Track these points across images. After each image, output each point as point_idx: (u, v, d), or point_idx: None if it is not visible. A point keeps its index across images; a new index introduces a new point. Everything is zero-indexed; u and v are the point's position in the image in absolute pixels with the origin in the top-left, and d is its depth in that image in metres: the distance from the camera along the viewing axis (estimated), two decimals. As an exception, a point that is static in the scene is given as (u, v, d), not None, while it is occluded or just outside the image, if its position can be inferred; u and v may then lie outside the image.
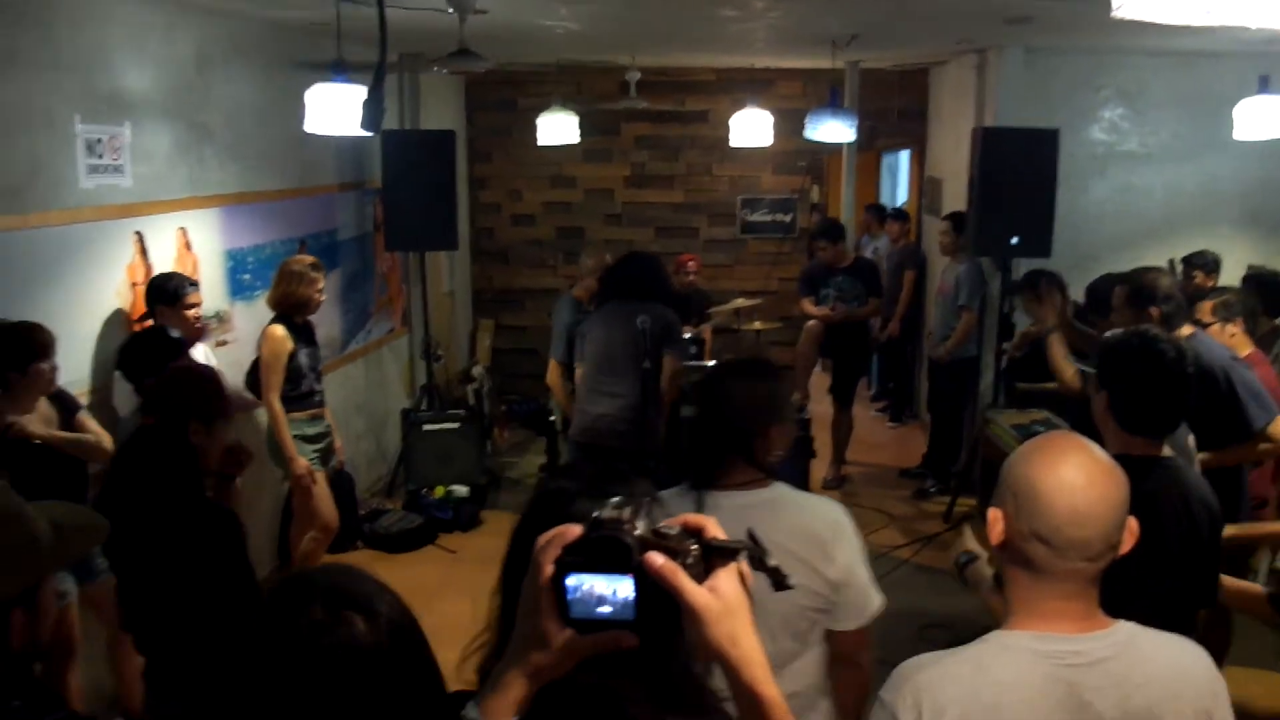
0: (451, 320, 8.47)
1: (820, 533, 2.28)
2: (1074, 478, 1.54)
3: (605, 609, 0.96)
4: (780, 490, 2.35)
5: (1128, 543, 1.59)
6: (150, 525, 2.74)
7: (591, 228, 9.05)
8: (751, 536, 1.03)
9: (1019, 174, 5.85)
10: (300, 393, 4.75)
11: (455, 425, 6.65)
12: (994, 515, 1.62)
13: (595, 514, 0.99)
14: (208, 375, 3.21)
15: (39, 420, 3.59)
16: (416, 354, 7.30)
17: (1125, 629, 1.59)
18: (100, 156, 4.19)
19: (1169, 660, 1.59)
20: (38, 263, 3.85)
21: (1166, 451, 2.54)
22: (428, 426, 6.58)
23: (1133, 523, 1.60)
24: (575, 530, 0.98)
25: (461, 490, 6.49)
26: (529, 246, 9.19)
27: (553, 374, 5.93)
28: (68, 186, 4.02)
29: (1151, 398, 2.50)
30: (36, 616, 1.70)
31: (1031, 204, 5.85)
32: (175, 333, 4.01)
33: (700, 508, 2.23)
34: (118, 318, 4.30)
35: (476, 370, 7.93)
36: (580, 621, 0.96)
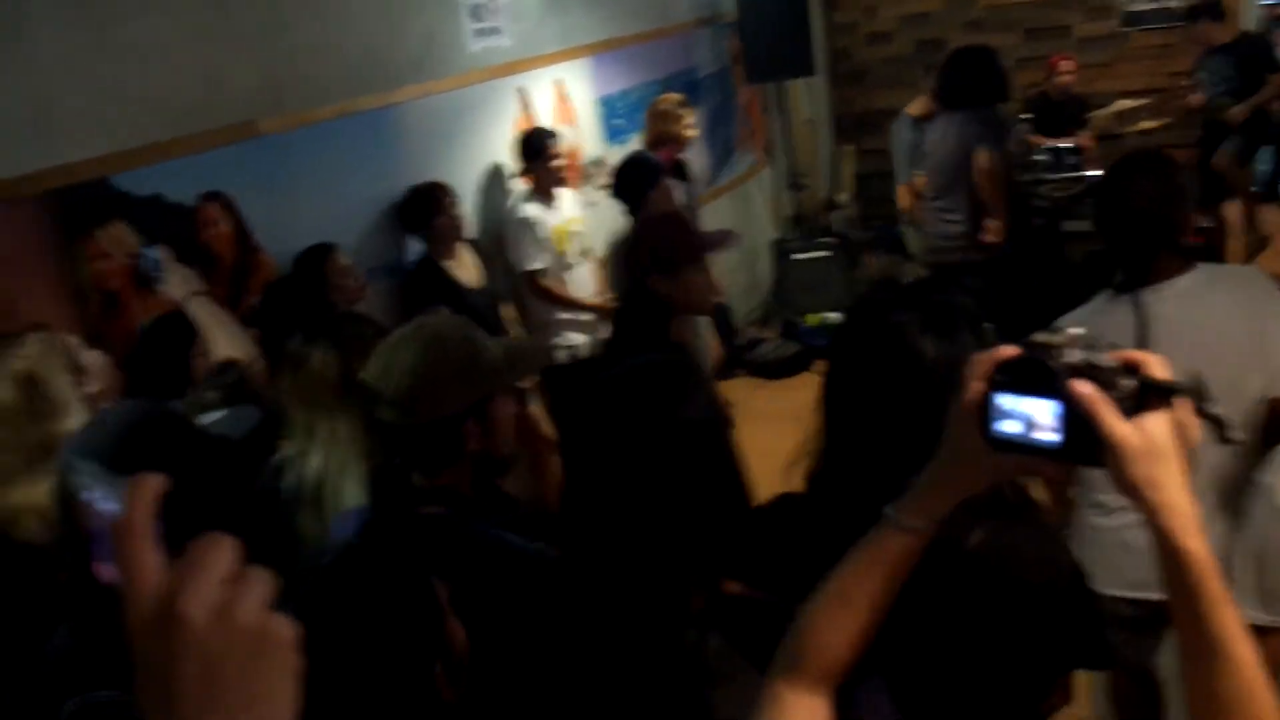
0: (813, 148, 8.40)
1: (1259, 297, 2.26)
2: None
3: (1029, 432, 0.95)
4: (1209, 268, 2.32)
5: None
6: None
7: (951, 37, 8.49)
8: (1196, 382, 0.97)
9: None
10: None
11: (824, 253, 6.68)
12: None
13: (1031, 338, 0.98)
14: (660, 223, 3.02)
15: (466, 265, 4.07)
16: (781, 185, 7.34)
17: None
18: (482, 20, 4.51)
19: None
20: (438, 126, 4.28)
21: None
22: (797, 256, 6.66)
23: None
24: (1009, 350, 0.97)
25: (834, 317, 6.55)
26: (887, 65, 8.80)
27: (904, 197, 5.77)
28: (457, 52, 4.39)
29: None
30: (492, 430, 1.94)
31: None
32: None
33: (1137, 308, 2.25)
34: (503, 168, 4.69)
35: (841, 197, 7.85)
36: (1002, 441, 0.96)
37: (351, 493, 2.34)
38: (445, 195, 3.98)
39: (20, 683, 2.55)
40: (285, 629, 0.58)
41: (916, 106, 5.78)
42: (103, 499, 0.67)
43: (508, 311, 4.38)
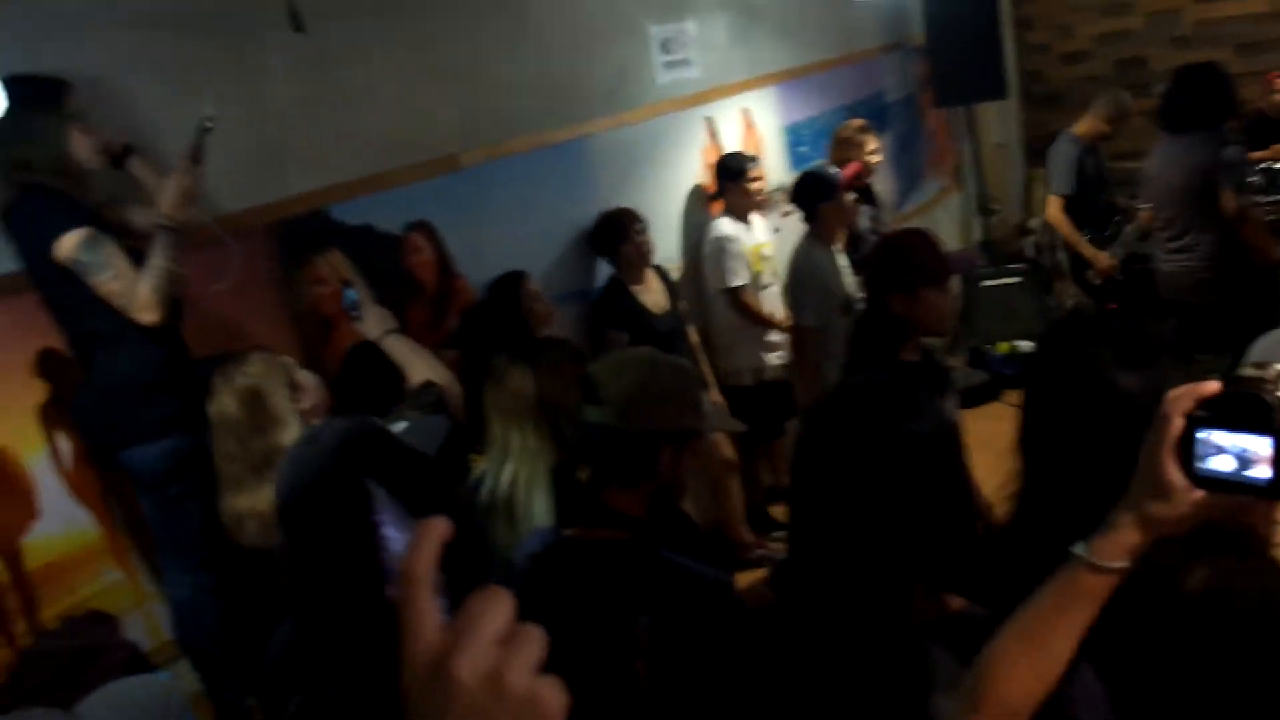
0: (1004, 173, 8.15)
1: None
2: None
3: (1241, 470, 0.91)
4: None
5: None
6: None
7: (1155, 56, 8.09)
8: None
9: None
10: (864, 257, 4.91)
11: (1015, 280, 6.46)
12: None
13: (1234, 372, 0.94)
14: (905, 241, 2.95)
15: (653, 290, 4.17)
16: (970, 210, 7.16)
17: None
18: (671, 53, 4.62)
19: None
20: (628, 156, 4.39)
21: None
22: (987, 282, 6.47)
23: None
24: (1211, 386, 0.94)
25: (1025, 345, 6.32)
26: (1083, 86, 8.44)
27: (1054, 209, 5.52)
28: (648, 84, 4.50)
29: None
30: (680, 464, 1.98)
31: None
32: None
33: None
34: (697, 193, 4.76)
35: (1033, 222, 7.57)
36: (1210, 479, 0.93)
37: (540, 505, 2.44)
38: (634, 221, 4.08)
39: (245, 678, 2.75)
40: (554, 697, 0.57)
41: (1084, 126, 5.55)
42: (389, 525, 0.68)
43: (692, 334, 4.44)
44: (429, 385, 2.75)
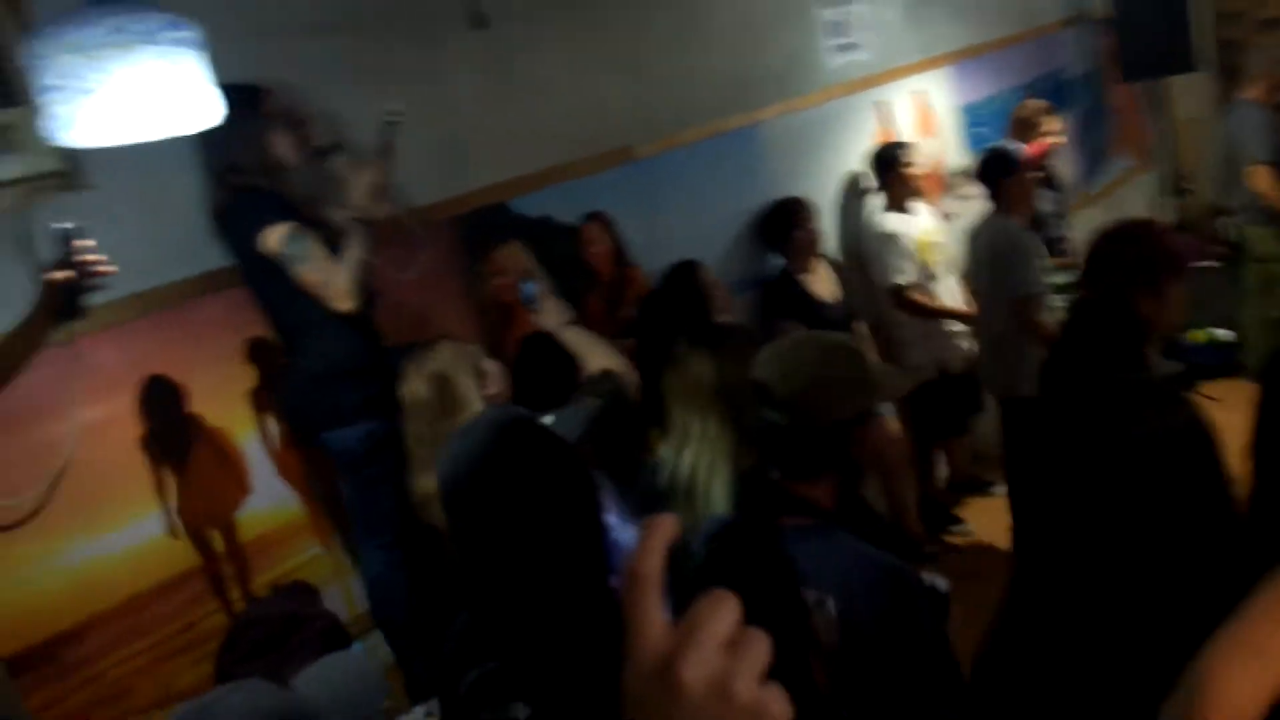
0: (1198, 150, 7.69)
1: None
2: None
3: None
4: None
5: None
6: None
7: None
8: None
9: None
10: (1045, 239, 4.74)
11: (1211, 264, 6.10)
12: None
13: None
14: (1143, 230, 2.86)
15: (822, 279, 4.14)
16: (1161, 190, 6.80)
17: None
18: (842, 36, 4.56)
19: None
20: (798, 142, 4.37)
21: None
22: (1180, 266, 6.14)
23: None
24: None
25: (1224, 334, 5.97)
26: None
27: (1262, 179, 5.06)
28: (818, 69, 4.47)
29: None
30: (864, 441, 1.98)
31: None
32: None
33: None
34: (852, 183, 4.70)
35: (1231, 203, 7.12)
36: None
37: (718, 492, 2.46)
38: (803, 210, 4.06)
39: (433, 652, 2.88)
40: (779, 706, 0.55)
41: (1256, 90, 5.12)
42: (615, 521, 0.67)
43: (861, 327, 4.38)
44: (607, 373, 2.81)
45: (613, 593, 1.61)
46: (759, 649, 0.55)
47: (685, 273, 3.58)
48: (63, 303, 2.03)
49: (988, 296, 4.21)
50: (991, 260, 4.17)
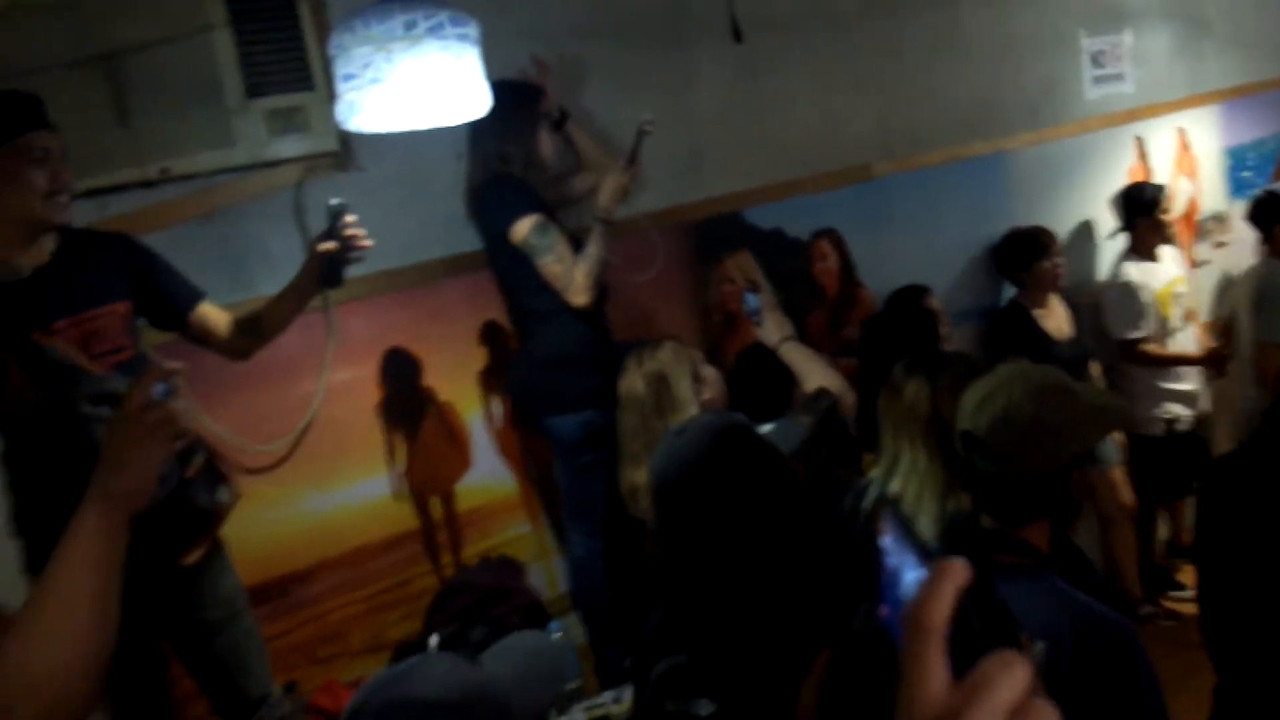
0: None
1: None
2: None
3: None
4: None
5: None
6: None
7: None
8: None
9: None
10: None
11: None
12: None
13: None
14: None
15: (1056, 315, 3.98)
16: None
17: None
18: (1103, 66, 4.36)
19: None
20: (1046, 173, 4.21)
21: None
22: None
23: None
24: None
25: None
26: None
27: None
28: (1075, 99, 4.29)
29: None
30: (1079, 484, 1.89)
31: None
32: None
33: None
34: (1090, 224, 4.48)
35: None
36: None
37: (924, 526, 2.41)
38: (1050, 241, 3.91)
39: (627, 639, 2.96)
40: None
41: None
42: (898, 555, 0.63)
43: (1095, 368, 4.18)
44: (823, 392, 2.80)
45: (816, 604, 1.63)
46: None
47: (912, 297, 3.52)
48: (326, 271, 2.21)
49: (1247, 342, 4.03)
50: (1256, 304, 3.98)
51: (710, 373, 2.77)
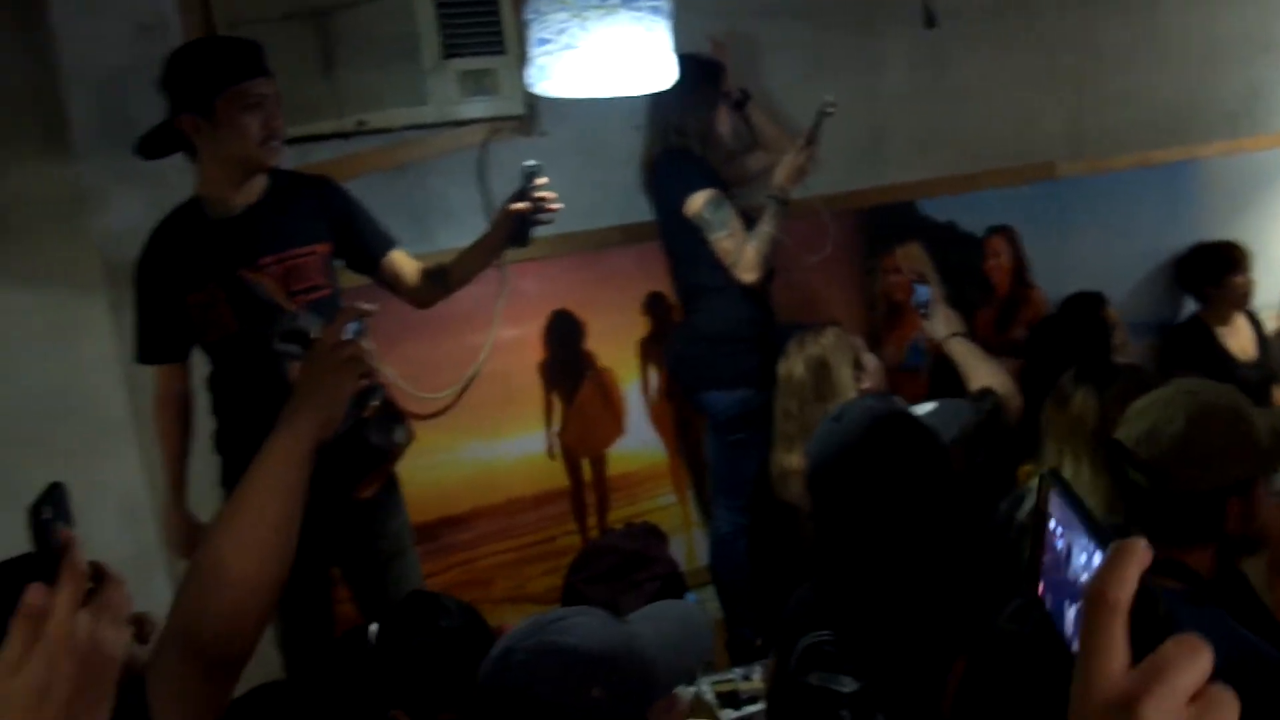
0: None
1: None
2: None
3: None
4: None
5: None
6: None
7: None
8: None
9: None
10: None
11: None
12: None
13: None
14: None
15: (1240, 335, 3.78)
16: None
17: None
18: (1319, 74, 4.10)
19: None
20: (1242, 186, 3.99)
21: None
22: None
23: None
24: None
25: None
26: None
27: None
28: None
29: None
30: (1250, 512, 1.80)
31: None
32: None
33: None
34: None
35: None
36: None
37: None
38: (1242, 257, 3.72)
39: (761, 619, 2.98)
40: None
41: None
42: (1067, 534, 0.62)
43: None
44: (987, 392, 2.74)
45: (965, 593, 1.61)
46: (1226, 709, 0.51)
47: (1087, 304, 3.39)
48: (516, 230, 2.28)
49: None
50: None
51: (871, 361, 2.74)
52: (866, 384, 2.69)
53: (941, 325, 2.72)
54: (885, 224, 3.34)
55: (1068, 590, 0.59)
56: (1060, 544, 0.62)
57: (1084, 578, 0.57)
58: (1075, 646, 0.54)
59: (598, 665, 1.29)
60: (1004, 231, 3.52)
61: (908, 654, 1.55)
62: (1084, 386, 2.50)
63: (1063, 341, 3.25)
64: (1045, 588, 0.62)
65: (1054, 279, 3.56)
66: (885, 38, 3.28)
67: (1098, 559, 0.56)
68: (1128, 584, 0.52)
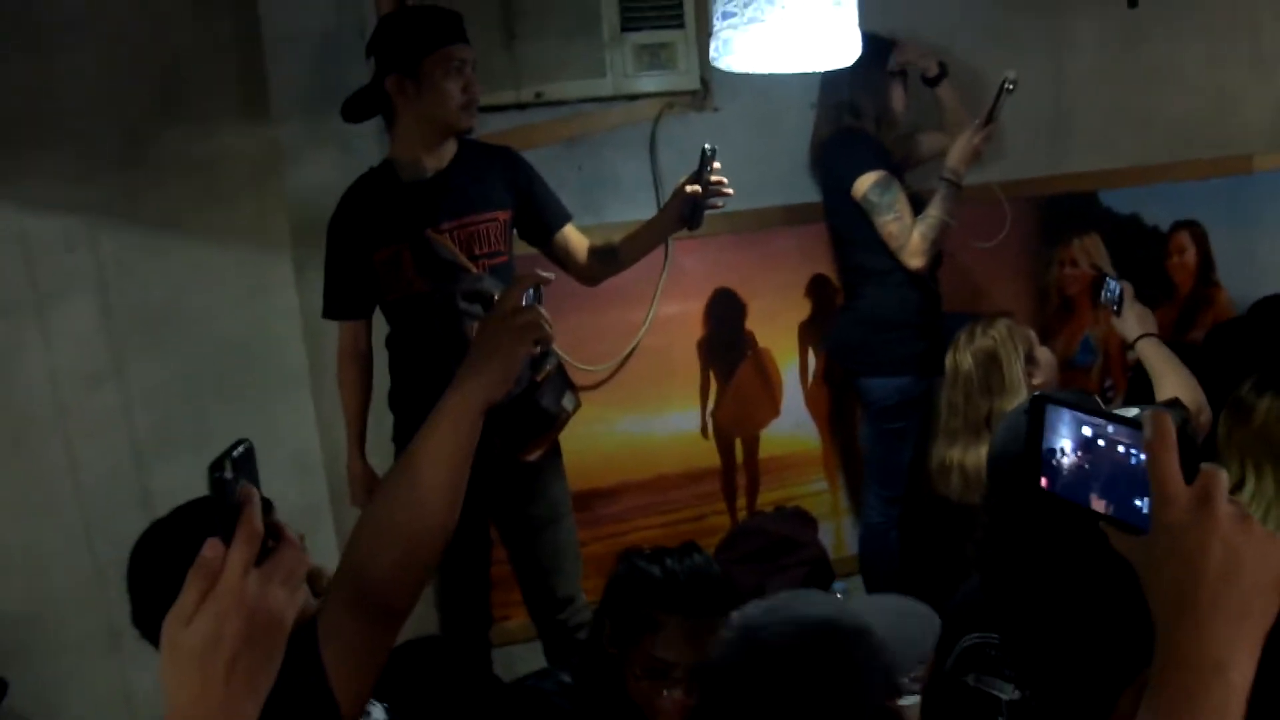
0: None
1: None
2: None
3: None
4: None
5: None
6: None
7: None
8: None
9: None
10: None
11: None
12: None
13: None
14: None
15: None
16: None
17: None
18: None
19: None
20: None
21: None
22: None
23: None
24: None
25: None
26: None
27: None
28: None
29: None
30: None
31: None
32: None
33: None
34: None
35: None
36: None
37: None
38: None
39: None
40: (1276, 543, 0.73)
41: None
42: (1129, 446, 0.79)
43: None
44: (1176, 403, 2.60)
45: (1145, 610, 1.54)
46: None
47: (1276, 308, 3.19)
48: (689, 213, 2.26)
49: None
50: None
51: (1045, 356, 2.64)
52: (1038, 380, 2.60)
53: (1134, 324, 2.58)
54: (1064, 214, 3.21)
55: (1088, 475, 0.81)
56: (1074, 452, 0.81)
57: (1120, 448, 0.77)
58: (1094, 505, 0.79)
59: (841, 635, 1.26)
60: (1191, 227, 3.33)
61: (1077, 670, 1.49)
62: (1267, 395, 2.34)
63: (1244, 347, 3.06)
64: (1051, 485, 0.84)
65: (1242, 279, 3.36)
66: (1081, 16, 3.13)
67: (1113, 430, 0.78)
68: (1171, 432, 0.73)
